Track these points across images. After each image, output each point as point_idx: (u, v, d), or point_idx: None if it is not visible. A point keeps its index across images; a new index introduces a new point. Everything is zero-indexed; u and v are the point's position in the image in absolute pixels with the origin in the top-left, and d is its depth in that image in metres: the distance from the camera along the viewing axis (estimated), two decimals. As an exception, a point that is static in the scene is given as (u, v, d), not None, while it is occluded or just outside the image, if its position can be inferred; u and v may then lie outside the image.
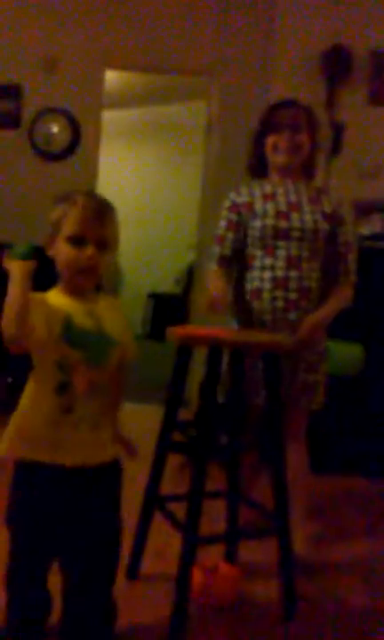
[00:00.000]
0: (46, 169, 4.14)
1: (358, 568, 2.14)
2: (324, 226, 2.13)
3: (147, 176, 5.15)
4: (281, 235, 2.11)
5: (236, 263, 2.21)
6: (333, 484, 2.96)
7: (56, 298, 1.41)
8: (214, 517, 1.98)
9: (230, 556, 2.04)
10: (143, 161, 5.40)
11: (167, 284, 6.03)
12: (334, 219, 2.17)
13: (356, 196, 3.52)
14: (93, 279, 1.43)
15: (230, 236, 2.19)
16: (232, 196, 2.23)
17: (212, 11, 4.01)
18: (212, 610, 1.77)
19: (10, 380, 3.85)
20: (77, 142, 4.15)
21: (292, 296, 2.10)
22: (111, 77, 4.37)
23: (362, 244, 3.34)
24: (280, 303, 2.10)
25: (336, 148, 3.75)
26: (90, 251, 1.38)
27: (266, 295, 2.12)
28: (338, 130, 3.75)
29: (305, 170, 2.24)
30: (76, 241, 1.39)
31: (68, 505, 1.40)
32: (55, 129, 4.13)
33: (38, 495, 1.40)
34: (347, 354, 2.98)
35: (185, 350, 1.94)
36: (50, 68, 4.10)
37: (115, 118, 4.98)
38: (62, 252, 1.40)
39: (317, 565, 2.11)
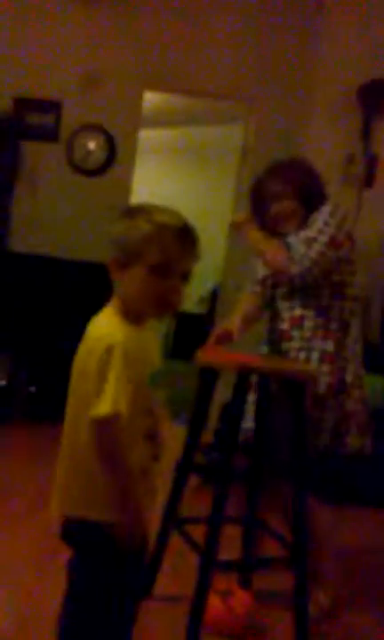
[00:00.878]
0: (82, 184, 4.21)
1: (365, 602, 2.14)
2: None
3: (179, 196, 5.20)
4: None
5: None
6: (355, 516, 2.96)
7: (125, 331, 1.22)
8: (230, 543, 1.98)
9: (245, 582, 2.05)
10: (176, 181, 5.47)
11: (191, 304, 6.08)
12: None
13: (386, 230, 3.55)
14: (169, 313, 1.29)
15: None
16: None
17: (255, 36, 4.08)
18: (224, 636, 1.78)
19: (33, 389, 3.90)
20: (113, 159, 4.23)
21: (284, 326, 2.09)
22: (150, 97, 4.45)
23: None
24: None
25: (369, 180, 3.79)
26: (176, 283, 1.22)
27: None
28: (371, 162, 3.80)
29: (308, 213, 2.09)
30: (162, 272, 1.21)
31: None
32: (92, 145, 4.21)
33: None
34: (372, 386, 2.99)
35: (211, 373, 1.96)
36: (90, 85, 4.19)
37: (151, 137, 5.07)
38: (140, 280, 1.22)
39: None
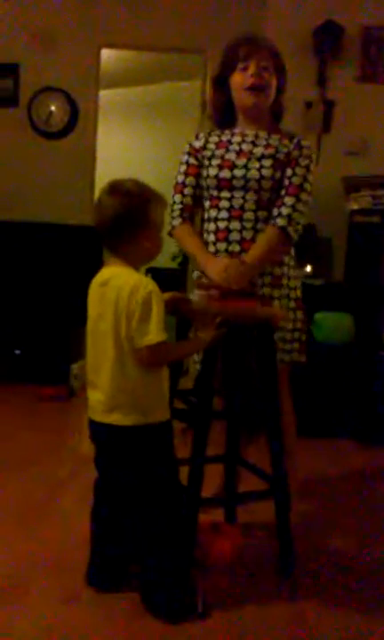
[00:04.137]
0: (45, 147, 4.23)
1: (347, 525, 2.26)
2: (269, 173, 1.99)
3: (144, 153, 5.23)
4: (223, 185, 2.01)
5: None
6: (328, 447, 3.12)
7: (150, 281, 1.59)
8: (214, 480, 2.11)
9: (230, 518, 2.13)
10: (140, 139, 5.47)
11: (165, 260, 6.16)
12: (287, 163, 2.01)
13: (345, 173, 3.63)
14: None
15: (190, 181, 2.08)
16: (192, 140, 2.14)
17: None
18: (213, 567, 1.87)
19: (18, 352, 4.00)
20: (75, 121, 4.23)
21: (233, 248, 2.02)
22: (108, 56, 4.43)
23: (351, 219, 3.48)
24: (223, 256, 2.03)
25: (326, 125, 3.84)
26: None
27: (211, 248, 2.06)
28: (328, 107, 3.84)
29: (273, 114, 2.12)
30: (161, 228, 1.67)
31: None
32: (53, 108, 4.21)
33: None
34: (337, 323, 3.13)
35: (186, 322, 2.02)
36: (47, 46, 4.17)
37: (112, 97, 5.06)
38: (154, 238, 1.63)
39: (311, 522, 2.24)
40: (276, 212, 2.00)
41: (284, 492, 1.88)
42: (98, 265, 4.42)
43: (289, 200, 1.99)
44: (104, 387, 1.61)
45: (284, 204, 2.00)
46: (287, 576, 1.86)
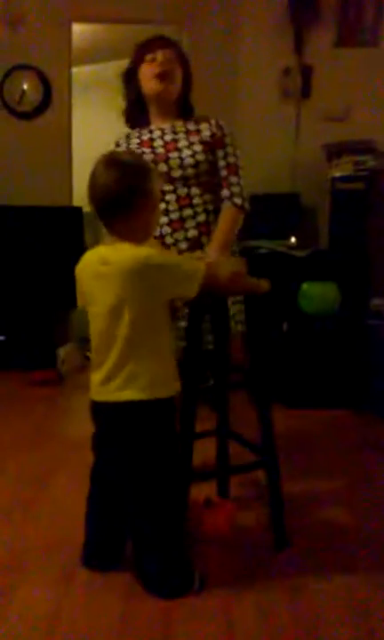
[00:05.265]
0: (19, 127, 4.14)
1: (341, 496, 2.26)
2: (203, 157, 2.12)
3: (120, 132, 5.15)
4: (164, 178, 2.10)
5: None
6: (316, 417, 3.12)
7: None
8: (207, 455, 2.09)
9: (223, 492, 2.15)
10: (115, 115, 5.40)
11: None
12: (215, 144, 2.16)
13: (326, 139, 3.57)
14: None
15: None
16: (112, 148, 2.23)
17: None
18: (208, 541, 1.87)
19: (2, 338, 3.95)
20: (49, 99, 4.15)
21: (192, 234, 2.13)
22: (79, 31, 4.33)
23: (334, 187, 3.43)
24: (183, 245, 2.12)
25: (305, 91, 3.78)
26: None
27: (168, 240, 2.14)
28: (306, 73, 3.78)
29: (182, 107, 2.25)
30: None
31: None
32: (25, 86, 4.12)
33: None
34: (323, 293, 3.10)
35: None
36: (15, 23, 4.06)
37: (88, 73, 4.96)
38: (154, 208, 1.60)
39: (303, 496, 2.23)
40: (226, 192, 2.15)
41: (274, 462, 1.89)
42: (79, 246, 4.40)
43: (234, 179, 2.16)
44: (116, 365, 1.58)
45: (231, 183, 2.15)
46: (283, 547, 1.86)
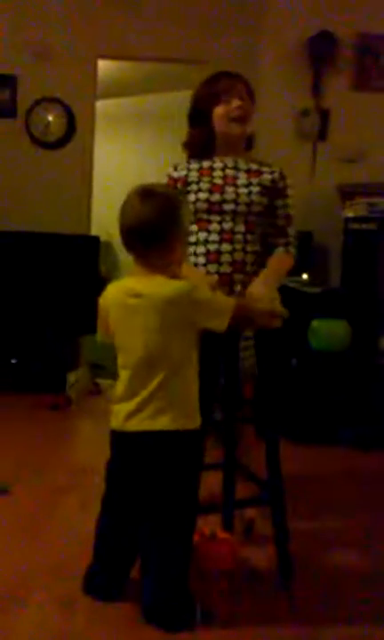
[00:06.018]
0: (43, 157, 4.25)
1: (351, 535, 2.24)
2: (260, 199, 2.11)
3: (141, 164, 5.26)
4: (214, 209, 2.10)
5: None
6: (323, 455, 3.13)
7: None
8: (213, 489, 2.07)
9: (227, 525, 2.17)
10: (137, 149, 5.51)
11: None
12: (274, 191, 2.15)
13: (341, 181, 3.66)
14: None
15: None
16: (170, 170, 2.22)
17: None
18: (211, 576, 1.85)
19: (14, 361, 4.00)
20: (73, 131, 4.26)
21: (226, 269, 2.10)
22: (105, 67, 4.46)
23: (347, 227, 3.50)
24: (214, 278, 2.07)
25: (322, 133, 3.88)
26: None
27: (200, 270, 2.11)
28: (323, 115, 3.88)
29: (247, 143, 2.24)
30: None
31: None
32: (50, 118, 4.24)
33: None
34: (333, 330, 3.14)
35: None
36: (44, 57, 4.20)
37: (110, 107, 5.08)
38: (184, 243, 1.70)
39: (311, 529, 2.23)
40: (282, 240, 2.18)
41: (280, 499, 1.89)
42: (94, 274, 4.46)
43: (290, 230, 2.20)
44: (151, 395, 1.60)
45: (288, 234, 2.20)
46: (286, 584, 1.86)
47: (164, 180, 2.21)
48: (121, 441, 1.67)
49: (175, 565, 1.63)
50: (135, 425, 1.61)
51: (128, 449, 1.66)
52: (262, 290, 2.01)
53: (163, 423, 1.59)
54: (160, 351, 1.59)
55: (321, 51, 3.88)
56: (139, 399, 1.61)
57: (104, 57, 4.30)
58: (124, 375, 1.66)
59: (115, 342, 1.69)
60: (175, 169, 2.21)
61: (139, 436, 1.62)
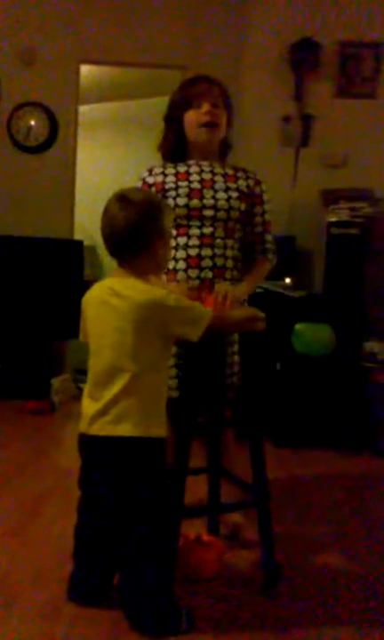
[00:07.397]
0: (25, 162, 4.24)
1: (336, 539, 2.24)
2: (238, 204, 2.11)
3: (124, 169, 5.26)
4: (193, 214, 2.09)
5: None
6: (308, 458, 3.14)
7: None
8: (197, 492, 2.08)
9: (213, 529, 2.13)
10: (120, 154, 5.51)
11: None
12: (251, 197, 2.15)
13: (324, 186, 3.68)
14: None
15: None
16: (144, 174, 2.20)
17: (186, 5, 4.12)
18: (197, 580, 1.86)
19: (-2, 367, 3.98)
20: (55, 136, 4.25)
21: (205, 275, 2.09)
22: (88, 72, 4.47)
23: (330, 231, 3.52)
24: (195, 283, 2.08)
25: (305, 139, 3.90)
26: None
27: (181, 275, 2.09)
28: (306, 122, 3.91)
29: (221, 149, 2.23)
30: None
31: None
32: (33, 122, 4.23)
33: None
34: (317, 334, 3.16)
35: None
36: (27, 62, 4.19)
37: (92, 112, 5.08)
38: (165, 246, 1.66)
39: (298, 539, 2.22)
40: (261, 247, 2.21)
41: (265, 502, 1.89)
42: (79, 278, 4.45)
43: (269, 236, 2.22)
44: (115, 397, 1.58)
45: (267, 240, 2.22)
46: (272, 587, 1.85)
47: (140, 184, 2.20)
48: (85, 445, 1.66)
49: (152, 571, 1.61)
50: (97, 429, 1.60)
51: (91, 453, 1.66)
52: (237, 294, 2.01)
53: (124, 429, 1.57)
54: (127, 354, 1.57)
55: (303, 57, 3.91)
56: (104, 401, 1.59)
57: (87, 62, 4.31)
58: (90, 376, 1.66)
59: (88, 342, 1.69)
60: (150, 173, 2.20)
61: (101, 440, 1.60)
